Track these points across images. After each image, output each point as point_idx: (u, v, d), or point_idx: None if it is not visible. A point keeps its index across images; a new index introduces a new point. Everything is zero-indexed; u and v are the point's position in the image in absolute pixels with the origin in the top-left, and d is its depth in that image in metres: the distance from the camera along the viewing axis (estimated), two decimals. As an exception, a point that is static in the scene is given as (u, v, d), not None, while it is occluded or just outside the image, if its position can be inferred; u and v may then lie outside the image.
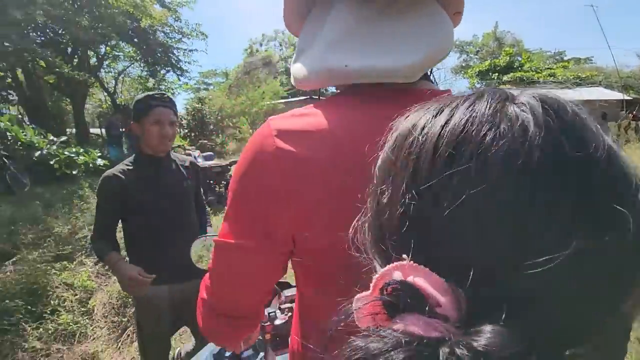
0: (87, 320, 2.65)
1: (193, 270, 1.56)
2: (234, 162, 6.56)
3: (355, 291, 0.27)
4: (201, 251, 1.07)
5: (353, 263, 0.32)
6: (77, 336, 2.52)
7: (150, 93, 1.53)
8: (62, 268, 3.05)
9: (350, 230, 0.35)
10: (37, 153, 2.49)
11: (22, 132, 2.28)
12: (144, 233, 1.52)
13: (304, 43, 0.58)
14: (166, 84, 13.07)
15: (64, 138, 3.67)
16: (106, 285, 3.07)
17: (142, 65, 12.81)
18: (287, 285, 1.05)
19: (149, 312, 1.57)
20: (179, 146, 11.13)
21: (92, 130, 14.08)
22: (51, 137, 2.51)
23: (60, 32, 9.35)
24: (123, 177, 1.46)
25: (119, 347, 2.48)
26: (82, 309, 2.76)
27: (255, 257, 0.51)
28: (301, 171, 0.46)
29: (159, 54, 11.17)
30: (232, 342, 0.66)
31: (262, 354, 1.16)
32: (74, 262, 3.22)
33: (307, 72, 0.54)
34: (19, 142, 2.38)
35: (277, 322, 0.90)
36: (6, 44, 6.64)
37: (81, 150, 2.68)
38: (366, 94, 0.51)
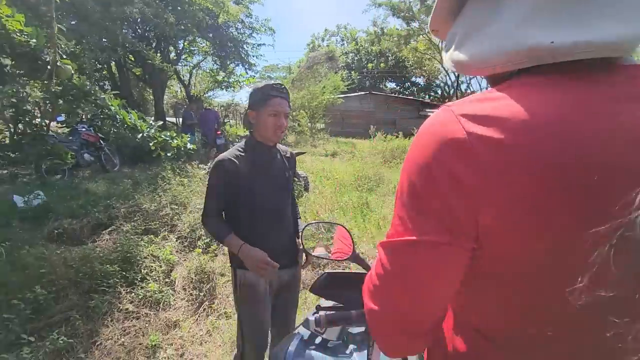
0: (169, 290, 2.90)
1: (289, 259, 1.65)
2: (299, 153, 6.73)
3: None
4: (310, 238, 1.08)
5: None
6: (161, 304, 2.76)
7: (270, 82, 1.52)
8: (149, 241, 3.37)
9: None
10: (139, 135, 2.77)
11: (128, 116, 2.56)
12: (249, 219, 1.54)
13: (471, 26, 0.51)
14: (235, 77, 13.76)
15: (160, 123, 4.03)
16: (185, 260, 3.33)
17: (214, 59, 13.63)
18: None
19: (252, 297, 1.59)
20: (242, 138, 11.68)
21: (167, 118, 15.38)
22: (151, 122, 2.78)
23: (148, 28, 10.33)
24: (237, 162, 1.48)
25: (197, 319, 2.68)
26: (166, 280, 3.02)
27: (448, 251, 0.45)
28: (502, 159, 0.40)
29: (230, 49, 11.78)
30: (408, 353, 0.60)
31: (352, 347, 1.15)
32: (159, 237, 3.53)
33: (490, 53, 0.47)
34: (125, 125, 2.66)
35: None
36: (104, 40, 7.52)
37: (175, 134, 2.94)
38: (566, 73, 0.43)
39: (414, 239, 0.46)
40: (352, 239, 1.01)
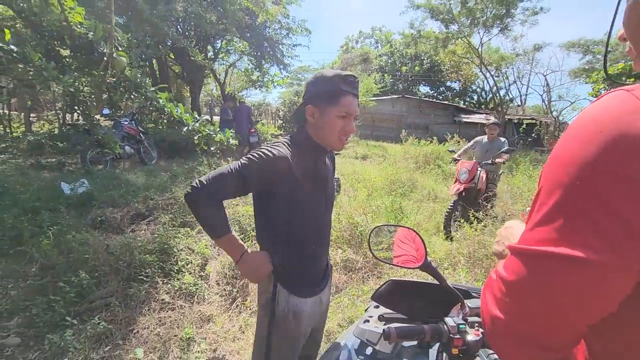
0: (204, 284, 2.92)
1: (328, 277, 1.40)
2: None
3: None
4: (378, 240, 1.01)
5: None
6: (195, 297, 2.78)
7: (342, 73, 1.19)
8: (185, 234, 3.41)
9: None
10: (185, 128, 2.81)
11: (175, 109, 2.61)
12: (302, 239, 1.26)
13: None
14: (269, 76, 13.96)
15: (206, 117, 4.11)
16: (219, 254, 3.35)
17: (249, 58, 13.90)
18: (468, 295, 0.92)
19: (296, 329, 1.27)
20: (276, 136, 11.85)
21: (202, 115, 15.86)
22: (196, 116, 2.83)
23: (189, 27, 10.68)
24: (292, 164, 1.15)
25: (230, 315, 2.67)
26: (201, 274, 3.04)
27: (608, 276, 0.37)
28: None
29: (266, 49, 11.96)
30: None
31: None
32: (195, 230, 3.58)
33: None
34: (172, 118, 2.71)
35: (469, 337, 0.78)
36: (148, 37, 7.84)
37: (217, 129, 2.97)
38: None
39: (573, 255, 0.37)
40: (424, 245, 0.92)
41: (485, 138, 4.84)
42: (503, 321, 0.45)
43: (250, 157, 1.15)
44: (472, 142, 5.02)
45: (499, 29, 18.11)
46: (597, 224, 0.37)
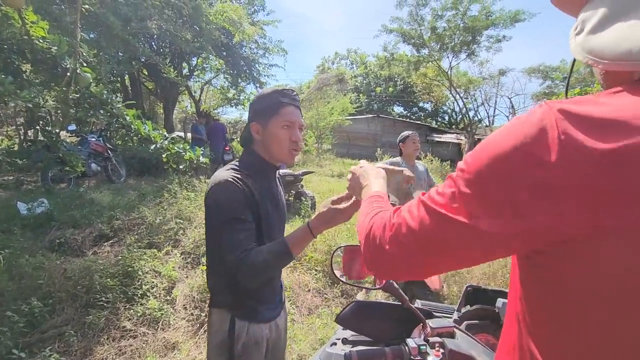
0: (170, 308, 2.77)
1: (282, 301, 1.36)
2: (307, 173, 6.69)
3: None
4: (339, 262, 0.99)
5: None
6: (160, 323, 2.63)
7: (279, 88, 1.21)
8: (152, 255, 3.26)
9: None
10: (153, 146, 2.72)
11: (143, 127, 2.53)
12: None
13: (614, 5, 0.45)
14: (245, 94, 13.96)
15: (175, 134, 4.02)
16: (187, 277, 3.21)
17: (225, 76, 13.89)
18: (430, 315, 0.92)
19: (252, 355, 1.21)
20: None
21: (176, 132, 15.55)
22: (165, 134, 2.75)
23: (163, 44, 10.59)
24: (248, 186, 1.14)
25: (197, 341, 2.54)
26: (167, 298, 2.90)
27: (489, 239, 0.46)
28: (605, 168, 0.37)
29: (242, 67, 12.01)
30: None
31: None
32: (162, 251, 3.43)
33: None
34: (139, 135, 2.63)
35: (430, 358, 0.77)
36: (120, 52, 7.70)
37: (187, 147, 2.89)
38: None
39: (465, 222, 0.47)
40: None
41: (401, 161, 3.23)
42: (393, 257, 0.55)
43: (216, 195, 1.10)
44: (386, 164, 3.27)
45: (467, 54, 19.19)
46: (490, 204, 0.45)
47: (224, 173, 1.14)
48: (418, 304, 1.25)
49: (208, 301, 1.27)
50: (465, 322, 1.13)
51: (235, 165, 1.21)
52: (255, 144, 1.24)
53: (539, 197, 0.41)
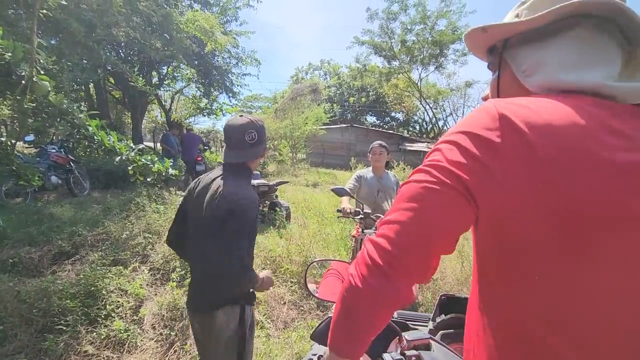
0: (137, 329, 2.61)
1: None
2: (281, 183, 6.63)
3: None
4: (315, 273, 0.96)
5: None
6: (126, 345, 2.47)
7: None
8: (117, 273, 3.08)
9: None
10: (118, 158, 2.58)
11: (107, 138, 2.40)
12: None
13: (546, 58, 0.62)
14: (217, 104, 13.74)
15: (141, 146, 3.85)
16: (156, 294, 3.05)
17: (197, 85, 13.63)
18: (406, 326, 0.91)
19: (252, 332, 1.56)
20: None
21: (145, 143, 14.99)
22: (131, 145, 2.62)
23: (132, 52, 10.26)
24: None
25: (166, 363, 2.40)
26: (134, 317, 2.73)
27: (452, 194, 0.55)
28: (528, 154, 0.50)
29: (215, 77, 11.84)
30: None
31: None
32: (129, 268, 3.25)
33: (558, 82, 0.60)
34: (103, 147, 2.49)
35: (407, 371, 0.76)
36: (85, 60, 7.36)
37: (156, 159, 2.77)
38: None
39: (436, 182, 0.58)
40: None
41: (370, 172, 3.22)
42: (382, 266, 0.58)
43: (244, 206, 1.31)
44: (354, 177, 3.21)
45: (435, 66, 20.02)
46: (447, 170, 0.57)
47: (255, 194, 1.40)
48: (394, 314, 1.25)
49: (205, 307, 1.40)
50: (441, 332, 1.14)
51: (247, 180, 1.50)
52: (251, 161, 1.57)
53: (484, 154, 0.53)
